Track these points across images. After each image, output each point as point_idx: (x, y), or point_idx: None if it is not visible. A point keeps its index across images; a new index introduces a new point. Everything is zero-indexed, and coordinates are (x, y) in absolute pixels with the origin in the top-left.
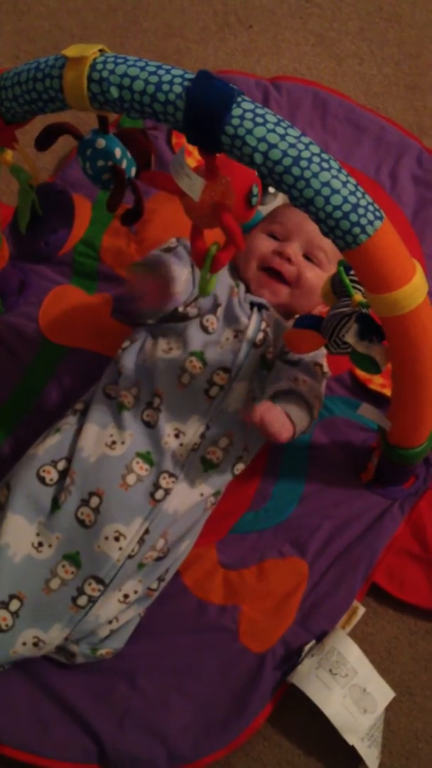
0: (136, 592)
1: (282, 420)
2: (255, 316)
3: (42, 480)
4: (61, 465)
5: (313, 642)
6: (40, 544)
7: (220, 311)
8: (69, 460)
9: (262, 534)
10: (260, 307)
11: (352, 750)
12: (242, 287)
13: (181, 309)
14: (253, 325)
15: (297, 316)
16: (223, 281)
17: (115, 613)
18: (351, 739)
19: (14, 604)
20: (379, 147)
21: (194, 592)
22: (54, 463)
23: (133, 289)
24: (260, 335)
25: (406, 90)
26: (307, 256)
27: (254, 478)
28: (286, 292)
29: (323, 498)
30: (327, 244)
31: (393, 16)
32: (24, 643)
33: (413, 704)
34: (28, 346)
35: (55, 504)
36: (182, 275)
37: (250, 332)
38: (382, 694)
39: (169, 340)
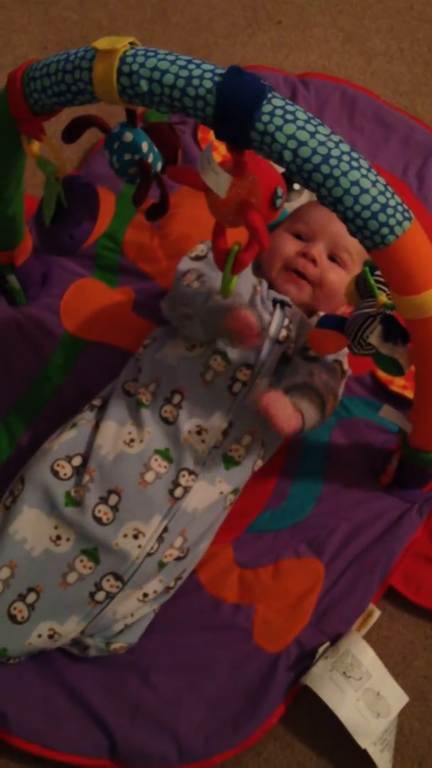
0: (155, 591)
1: (288, 412)
2: (278, 314)
3: (56, 474)
4: (76, 461)
5: (327, 644)
6: (59, 538)
7: None
8: (84, 456)
9: (278, 533)
10: (283, 304)
11: (365, 754)
12: (265, 284)
13: None
14: (276, 322)
15: (321, 314)
16: (246, 280)
17: (133, 610)
18: (363, 743)
19: (31, 597)
20: (408, 146)
21: (209, 589)
22: (69, 458)
23: (239, 328)
24: (283, 332)
25: None
26: (332, 257)
27: (272, 477)
28: (309, 288)
29: (341, 499)
30: (352, 245)
31: (424, 15)
32: (39, 635)
33: (427, 709)
34: (48, 338)
35: (73, 501)
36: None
37: (272, 329)
38: (396, 698)
39: (192, 338)
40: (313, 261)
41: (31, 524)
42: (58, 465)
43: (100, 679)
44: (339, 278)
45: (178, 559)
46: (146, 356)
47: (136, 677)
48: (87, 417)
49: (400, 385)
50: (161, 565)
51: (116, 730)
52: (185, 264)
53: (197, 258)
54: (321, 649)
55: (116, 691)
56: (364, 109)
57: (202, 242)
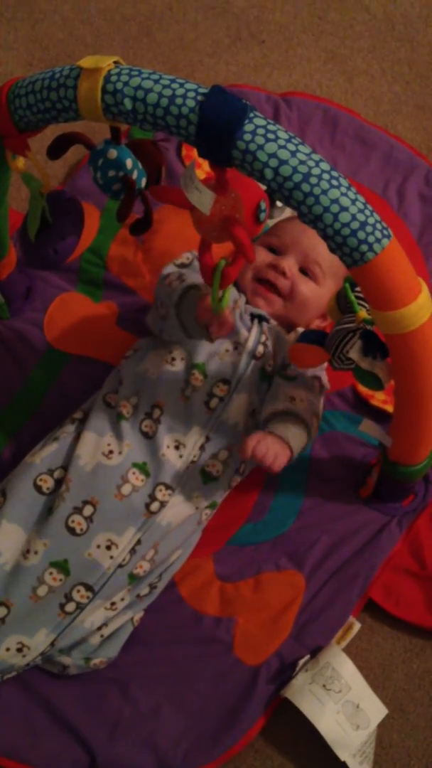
0: (123, 599)
1: (275, 449)
2: (255, 329)
3: (39, 489)
4: (57, 474)
5: (307, 656)
6: (27, 551)
7: None
8: (65, 468)
9: (259, 546)
10: (260, 318)
11: (344, 766)
12: (243, 298)
13: None
14: (253, 338)
15: (298, 329)
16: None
17: (102, 620)
18: (343, 755)
19: (1, 611)
20: (388, 165)
21: (190, 602)
22: (51, 472)
23: (226, 323)
24: (260, 348)
25: (416, 109)
26: (303, 270)
27: (253, 490)
28: (280, 302)
29: (322, 512)
30: (323, 258)
31: (405, 35)
32: (8, 649)
33: (406, 721)
34: (31, 352)
35: (48, 510)
36: None
37: (249, 344)
38: (375, 710)
39: (173, 351)
40: (284, 273)
41: (8, 539)
42: (40, 480)
43: (80, 694)
44: (310, 290)
45: (149, 570)
46: (128, 368)
47: (116, 691)
48: (68, 430)
49: (380, 399)
50: (132, 577)
51: (95, 745)
52: (168, 269)
53: (182, 265)
54: (301, 662)
55: (96, 706)
56: (345, 127)
57: (188, 251)
